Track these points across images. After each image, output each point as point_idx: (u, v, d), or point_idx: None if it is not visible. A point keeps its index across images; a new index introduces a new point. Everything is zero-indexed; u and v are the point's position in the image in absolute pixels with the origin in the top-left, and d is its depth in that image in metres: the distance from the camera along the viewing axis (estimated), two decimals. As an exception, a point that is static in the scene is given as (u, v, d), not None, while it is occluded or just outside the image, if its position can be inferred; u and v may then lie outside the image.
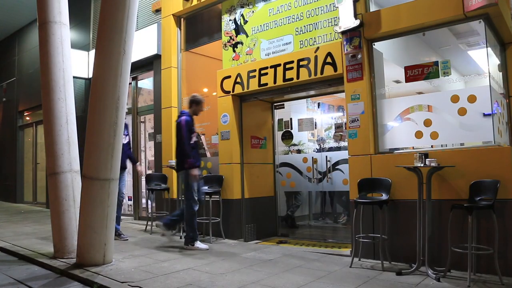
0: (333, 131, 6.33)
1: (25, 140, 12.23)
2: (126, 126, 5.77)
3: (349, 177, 4.62)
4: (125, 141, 5.63)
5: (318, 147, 6.21)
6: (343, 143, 5.78)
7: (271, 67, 5.44)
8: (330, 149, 5.96)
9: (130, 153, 5.87)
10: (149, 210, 6.52)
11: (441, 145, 4.30)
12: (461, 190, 3.79)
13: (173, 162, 6.24)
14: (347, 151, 4.70)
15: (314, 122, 6.02)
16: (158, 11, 7.31)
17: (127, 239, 5.52)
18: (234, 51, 6.02)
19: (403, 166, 3.90)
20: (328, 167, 5.64)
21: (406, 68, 4.39)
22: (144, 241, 5.49)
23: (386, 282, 3.49)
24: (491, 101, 3.80)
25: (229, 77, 5.91)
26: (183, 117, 5.04)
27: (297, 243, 5.49)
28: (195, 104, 5.17)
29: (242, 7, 5.98)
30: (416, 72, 4.34)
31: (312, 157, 5.83)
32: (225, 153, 5.88)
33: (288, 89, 5.46)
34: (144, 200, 7.72)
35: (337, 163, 5.57)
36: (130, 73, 4.31)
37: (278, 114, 6.31)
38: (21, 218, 8.27)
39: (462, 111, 3.97)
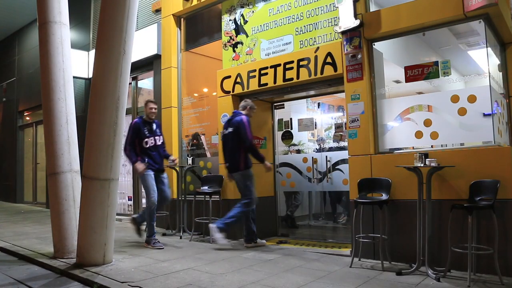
0: (333, 131, 6.32)
1: (25, 140, 12.22)
2: (158, 125, 5.51)
3: (349, 177, 4.62)
4: (159, 141, 5.37)
5: (318, 147, 6.20)
6: (343, 143, 5.78)
7: (271, 67, 5.44)
8: (330, 149, 5.96)
9: (165, 153, 5.59)
10: (149, 210, 6.50)
11: (441, 145, 4.30)
12: (461, 190, 3.79)
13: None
14: (347, 151, 4.70)
15: (314, 122, 6.01)
16: (158, 11, 7.31)
17: (162, 248, 5.02)
18: (234, 51, 6.02)
19: (403, 166, 3.90)
20: (328, 167, 5.63)
21: (406, 68, 4.39)
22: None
23: (386, 282, 3.49)
24: (491, 101, 3.80)
25: (229, 77, 5.91)
26: (244, 116, 5.11)
27: (297, 243, 5.48)
28: (250, 109, 5.27)
29: (242, 7, 5.98)
30: (416, 72, 4.34)
31: (312, 157, 5.82)
32: (225, 153, 5.88)
33: (288, 89, 5.46)
34: (144, 200, 7.70)
35: (337, 163, 5.56)
36: (130, 73, 4.31)
37: (278, 114, 6.31)
38: (21, 218, 8.27)
39: (462, 111, 3.97)
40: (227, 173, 5.33)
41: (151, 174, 5.16)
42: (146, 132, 5.22)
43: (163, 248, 5.00)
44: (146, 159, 5.16)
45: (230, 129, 5.17)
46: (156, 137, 5.31)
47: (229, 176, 5.29)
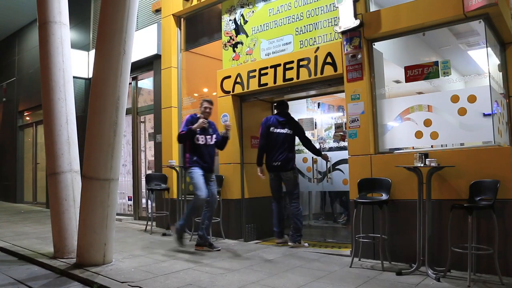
0: (333, 131, 6.32)
1: (25, 140, 12.23)
2: (211, 124, 5.22)
3: (349, 177, 4.62)
4: (211, 141, 5.09)
5: (318, 147, 6.20)
6: (343, 143, 5.78)
7: (271, 67, 5.44)
8: (330, 149, 5.96)
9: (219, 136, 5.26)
10: (149, 210, 6.52)
11: (441, 145, 4.30)
12: (461, 190, 3.79)
13: (173, 162, 6.24)
14: (347, 151, 4.70)
15: (314, 122, 6.02)
16: (158, 11, 7.32)
17: (219, 249, 4.91)
18: (234, 51, 6.02)
19: (403, 166, 3.90)
20: (328, 167, 5.63)
21: (406, 68, 4.39)
22: (144, 241, 5.49)
23: (386, 282, 3.49)
24: (491, 101, 3.80)
25: (229, 77, 5.91)
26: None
27: (297, 243, 5.47)
28: (286, 107, 5.52)
29: (242, 7, 5.98)
30: (416, 72, 4.34)
31: (312, 157, 5.81)
32: (225, 153, 5.88)
33: (288, 89, 5.46)
34: (144, 200, 7.72)
35: (337, 163, 5.56)
36: (130, 73, 4.32)
37: (278, 114, 6.30)
38: (21, 218, 8.27)
39: (462, 111, 3.97)
40: (271, 172, 5.34)
41: (198, 171, 4.94)
42: (198, 130, 5.01)
43: (219, 249, 4.88)
44: (195, 157, 5.00)
45: (287, 130, 5.27)
46: (208, 136, 5.08)
47: (274, 175, 5.34)
